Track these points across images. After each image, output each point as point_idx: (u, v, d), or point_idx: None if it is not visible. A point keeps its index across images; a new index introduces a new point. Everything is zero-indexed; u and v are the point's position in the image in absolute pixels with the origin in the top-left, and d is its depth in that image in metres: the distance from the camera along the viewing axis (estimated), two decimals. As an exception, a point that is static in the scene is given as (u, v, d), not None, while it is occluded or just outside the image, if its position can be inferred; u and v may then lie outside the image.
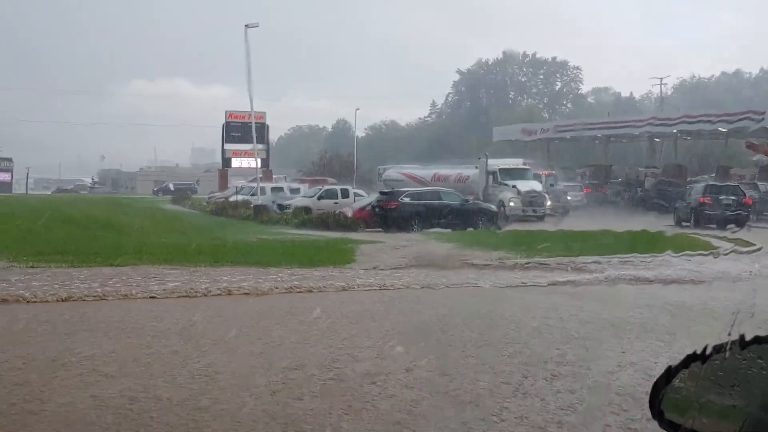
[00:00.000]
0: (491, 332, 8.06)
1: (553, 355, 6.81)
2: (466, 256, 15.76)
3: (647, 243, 17.95)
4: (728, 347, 1.26)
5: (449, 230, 24.77)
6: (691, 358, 1.30)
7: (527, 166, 38.34)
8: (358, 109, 76.12)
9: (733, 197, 27.77)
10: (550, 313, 9.31)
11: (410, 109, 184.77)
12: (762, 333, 1.28)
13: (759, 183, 36.13)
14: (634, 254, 15.19)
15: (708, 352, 1.28)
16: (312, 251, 16.80)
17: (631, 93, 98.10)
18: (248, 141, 43.78)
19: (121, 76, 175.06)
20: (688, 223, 27.65)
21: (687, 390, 1.30)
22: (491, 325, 8.61)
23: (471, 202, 29.14)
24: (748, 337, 1.27)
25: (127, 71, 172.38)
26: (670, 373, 1.32)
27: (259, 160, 42.29)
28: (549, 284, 11.91)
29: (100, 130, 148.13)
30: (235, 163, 52.49)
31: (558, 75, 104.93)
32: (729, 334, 1.29)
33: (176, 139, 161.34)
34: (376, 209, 27.02)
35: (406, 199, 26.88)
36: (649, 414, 1.35)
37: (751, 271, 13.22)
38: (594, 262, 14.10)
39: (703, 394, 1.28)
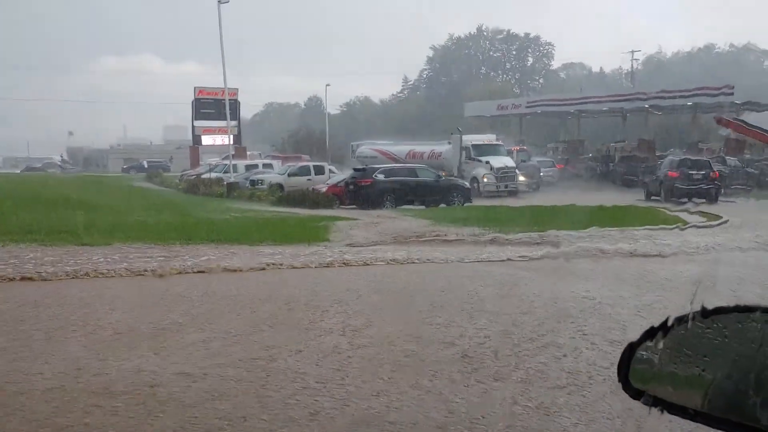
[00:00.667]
0: (458, 303, 8.18)
1: (508, 327, 6.97)
2: (439, 232, 15.86)
3: (616, 217, 18.23)
4: (690, 318, 1.30)
5: (423, 207, 24.90)
6: (655, 329, 1.34)
7: (500, 142, 38.51)
8: (328, 85, 75.88)
9: (702, 172, 28.15)
10: (515, 287, 9.48)
11: (384, 86, 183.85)
12: (725, 303, 1.32)
13: (727, 157, 36.69)
14: (606, 228, 15.41)
15: (671, 323, 1.33)
16: (285, 228, 16.77)
17: (602, 68, 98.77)
18: (220, 118, 43.36)
19: (90, 51, 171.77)
20: (658, 198, 28.04)
21: (652, 360, 1.34)
22: (457, 298, 8.72)
23: (444, 178, 29.24)
24: (710, 308, 1.31)
25: (96, 47, 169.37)
26: (635, 344, 1.36)
27: (231, 137, 41.91)
28: (516, 259, 12.06)
29: (70, 107, 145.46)
30: (207, 140, 51.96)
31: (530, 51, 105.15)
32: (691, 303, 1.32)
33: (148, 116, 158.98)
34: (350, 186, 26.99)
35: (380, 176, 26.88)
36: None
37: (715, 245, 13.51)
38: (564, 237, 14.26)
39: (668, 364, 1.32)
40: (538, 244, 13.75)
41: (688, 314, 1.30)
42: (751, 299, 1.34)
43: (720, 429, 1.24)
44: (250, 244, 13.73)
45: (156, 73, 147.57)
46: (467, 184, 29.65)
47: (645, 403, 1.33)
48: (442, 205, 25.79)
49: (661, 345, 1.32)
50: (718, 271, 9.64)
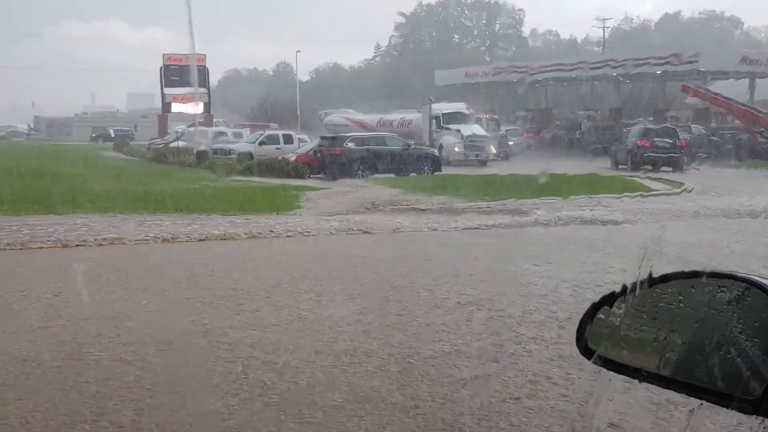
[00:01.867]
0: (431, 273, 8.28)
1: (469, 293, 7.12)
2: (409, 201, 15.94)
3: (583, 185, 18.46)
4: (638, 286, 1.34)
5: (393, 175, 24.91)
6: (615, 294, 1.38)
7: (470, 111, 38.52)
8: (298, 51, 75.01)
9: (668, 140, 28.52)
10: (482, 253, 9.61)
11: (354, 53, 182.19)
12: (674, 267, 1.37)
13: (693, 125, 37.21)
14: (571, 196, 15.65)
15: (620, 290, 1.38)
16: (255, 198, 16.72)
17: (572, 35, 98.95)
18: (188, 85, 42.65)
19: (53, 17, 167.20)
20: (625, 166, 28.38)
21: (608, 323, 1.38)
22: (425, 267, 8.82)
23: (414, 147, 29.22)
24: (660, 274, 1.36)
25: (59, 12, 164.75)
26: (594, 309, 1.41)
27: (200, 105, 41.32)
28: (484, 227, 12.23)
29: (34, 74, 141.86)
30: (176, 107, 51.17)
31: (500, 18, 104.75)
32: (639, 268, 1.38)
33: (114, 83, 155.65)
34: (319, 155, 26.85)
35: (351, 145, 26.75)
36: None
37: (677, 211, 13.78)
38: (532, 205, 14.47)
39: (622, 328, 1.37)
40: (501, 212, 13.95)
41: (637, 282, 1.34)
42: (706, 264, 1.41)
43: (670, 389, 1.29)
44: (220, 213, 13.71)
45: (122, 39, 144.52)
46: (437, 152, 29.68)
47: (595, 363, 1.37)
48: (413, 174, 25.83)
49: (615, 309, 1.36)
50: (676, 237, 9.89)
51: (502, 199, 15.25)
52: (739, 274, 1.26)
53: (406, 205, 15.28)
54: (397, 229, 12.07)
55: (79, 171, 24.72)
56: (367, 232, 11.68)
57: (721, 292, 1.25)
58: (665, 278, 1.33)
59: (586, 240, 10.72)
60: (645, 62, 46.64)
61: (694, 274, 1.30)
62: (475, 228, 12.12)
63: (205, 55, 50.25)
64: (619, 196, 15.99)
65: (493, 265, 9.14)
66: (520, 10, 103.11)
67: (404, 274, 8.30)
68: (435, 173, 26.34)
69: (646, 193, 16.77)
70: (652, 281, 1.34)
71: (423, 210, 14.59)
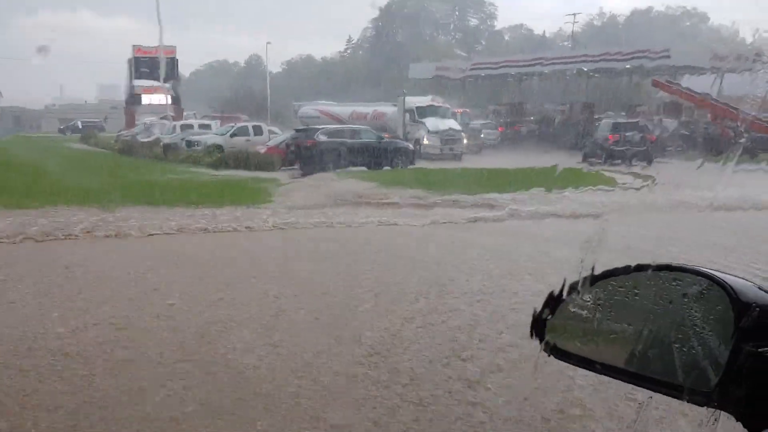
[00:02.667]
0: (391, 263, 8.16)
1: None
2: (381, 194, 15.79)
3: (555, 179, 18.45)
4: (580, 285, 1.34)
5: (366, 168, 24.72)
6: (571, 287, 1.36)
7: (445, 105, 38.44)
8: (269, 42, 74.47)
9: (639, 134, 28.71)
10: (455, 247, 9.51)
11: (327, 44, 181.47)
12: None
13: (663, 120, 37.52)
14: (542, 189, 15.62)
15: (576, 283, 1.36)
16: (223, 191, 16.44)
17: (544, 31, 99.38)
18: (157, 77, 42.08)
19: (21, 7, 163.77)
20: (597, 160, 28.51)
21: (563, 317, 1.37)
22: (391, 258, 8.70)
23: (388, 140, 29.05)
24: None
25: (27, 2, 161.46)
26: (551, 302, 1.38)
27: (169, 97, 40.81)
28: (461, 221, 12.14)
29: (1, 65, 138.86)
30: (145, 99, 50.53)
31: (473, 11, 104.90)
32: (582, 261, 1.36)
33: (83, 75, 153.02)
34: (291, 147, 26.55)
35: (323, 137, 26.50)
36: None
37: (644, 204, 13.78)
38: (503, 199, 14.42)
39: (578, 321, 1.36)
40: (475, 206, 13.87)
41: (587, 276, 1.34)
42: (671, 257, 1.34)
43: (624, 381, 1.27)
44: (187, 206, 13.43)
45: (90, 30, 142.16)
46: (411, 146, 29.55)
47: (544, 350, 1.36)
48: (386, 168, 25.65)
49: (569, 301, 1.36)
50: (635, 231, 9.93)
51: (474, 193, 15.16)
52: (689, 267, 1.26)
53: (378, 199, 15.12)
54: (342, 223, 11.89)
55: (40, 163, 24.20)
56: (317, 227, 11.52)
57: (674, 284, 1.26)
58: (613, 272, 1.32)
59: (552, 233, 10.69)
60: (616, 57, 46.93)
61: (640, 268, 1.30)
62: (446, 222, 12.02)
63: (174, 47, 49.83)
64: (591, 189, 16.00)
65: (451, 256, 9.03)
66: (492, 4, 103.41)
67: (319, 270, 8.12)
68: (409, 167, 26.21)
69: (607, 188, 16.82)
70: (601, 275, 1.33)
71: (393, 204, 14.44)
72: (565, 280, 1.36)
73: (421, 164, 27.30)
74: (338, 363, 4.92)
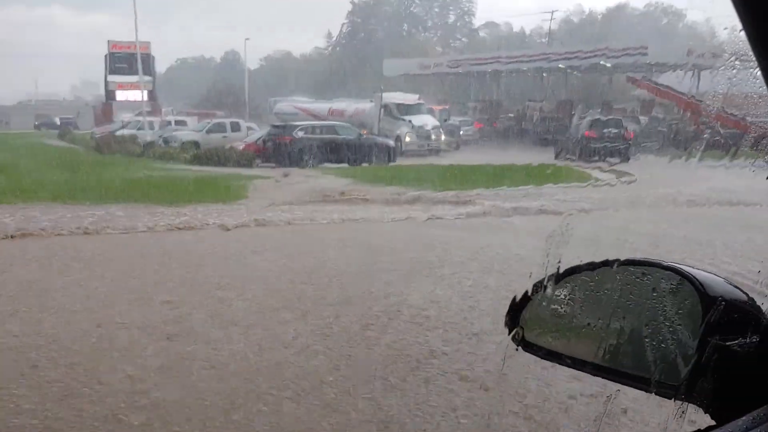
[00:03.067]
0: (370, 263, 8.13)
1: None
2: (360, 191, 15.75)
3: (533, 176, 18.54)
4: (545, 282, 1.35)
5: (345, 165, 24.65)
6: (540, 284, 1.37)
7: (421, 101, 38.45)
8: (247, 39, 74.02)
9: (615, 131, 28.90)
10: (431, 243, 9.49)
11: (305, 40, 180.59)
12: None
13: (640, 117, 37.84)
14: (521, 186, 15.69)
15: (544, 279, 1.37)
16: (199, 188, 16.28)
17: (522, 28, 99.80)
18: (133, 73, 41.68)
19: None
20: (573, 156, 28.64)
21: (535, 312, 1.39)
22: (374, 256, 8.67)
23: (366, 136, 28.98)
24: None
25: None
26: (524, 297, 1.39)
27: (145, 93, 40.45)
28: (431, 218, 12.16)
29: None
30: (120, 96, 50.03)
31: (452, 8, 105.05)
32: (547, 255, 1.38)
33: (57, 70, 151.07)
34: (269, 144, 26.39)
35: (301, 133, 26.39)
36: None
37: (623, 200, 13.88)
38: (477, 196, 14.46)
39: (547, 315, 1.38)
40: (452, 202, 13.89)
41: (549, 275, 1.35)
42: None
43: (593, 374, 1.28)
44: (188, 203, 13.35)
45: (66, 25, 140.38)
46: (390, 142, 29.50)
47: (513, 341, 1.37)
48: (364, 164, 25.60)
49: (538, 296, 1.38)
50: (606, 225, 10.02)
51: (451, 190, 15.17)
52: (656, 261, 1.27)
53: (354, 195, 15.08)
54: (314, 220, 11.84)
55: (10, 160, 23.85)
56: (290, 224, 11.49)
57: (644, 279, 1.26)
58: (580, 268, 1.33)
59: (528, 229, 10.71)
60: (592, 54, 47.19)
61: (603, 264, 1.31)
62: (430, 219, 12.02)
63: (149, 42, 49.38)
64: (568, 185, 16.09)
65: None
66: (470, 1, 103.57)
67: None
68: (388, 163, 26.18)
69: (583, 184, 16.91)
70: (568, 271, 1.34)
71: (370, 200, 14.41)
72: (530, 275, 1.36)
73: (399, 160, 27.27)
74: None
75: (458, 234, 10.74)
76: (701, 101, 37.17)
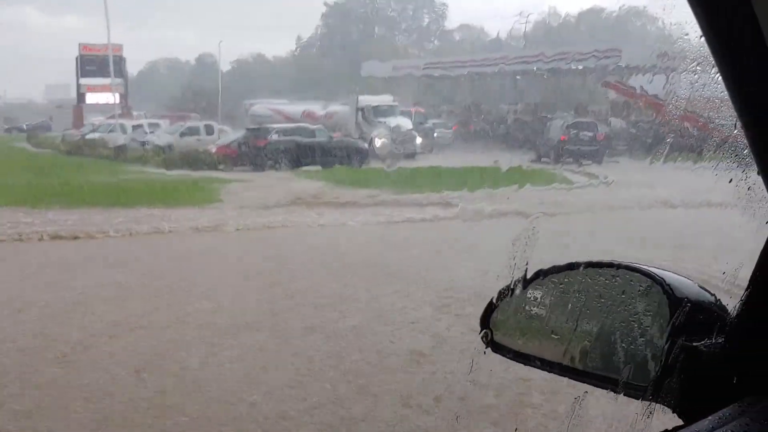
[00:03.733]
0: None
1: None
2: (334, 194, 15.71)
3: (507, 178, 18.60)
4: (517, 283, 1.35)
5: (319, 168, 24.57)
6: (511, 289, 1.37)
7: (396, 104, 38.49)
8: (221, 41, 73.64)
9: (589, 133, 29.16)
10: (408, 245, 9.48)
11: (279, 42, 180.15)
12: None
13: (612, 119, 38.20)
14: (500, 188, 15.74)
15: (514, 282, 1.36)
16: (174, 191, 16.12)
17: (498, 33, 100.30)
18: (104, 75, 41.23)
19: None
20: (548, 159, 28.84)
21: (505, 314, 1.39)
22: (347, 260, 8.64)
23: (341, 139, 28.93)
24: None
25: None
26: (497, 299, 1.39)
27: (117, 96, 40.05)
28: (404, 221, 12.16)
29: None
30: (91, 98, 49.50)
31: (426, 11, 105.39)
32: (514, 258, 1.37)
33: (27, 73, 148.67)
34: (243, 146, 26.24)
35: (275, 136, 26.28)
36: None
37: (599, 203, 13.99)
38: (453, 198, 14.49)
39: (516, 317, 1.38)
40: (429, 204, 13.90)
41: (515, 279, 1.35)
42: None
43: (563, 375, 1.28)
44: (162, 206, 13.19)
45: (36, 28, 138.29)
46: (365, 144, 29.47)
47: (482, 340, 1.38)
48: (339, 166, 25.53)
49: (508, 299, 1.38)
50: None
51: (425, 192, 15.19)
52: (624, 263, 1.26)
53: (327, 199, 15.03)
54: (285, 224, 11.77)
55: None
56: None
57: (613, 281, 1.26)
58: (542, 272, 1.34)
59: (499, 231, 10.74)
60: (567, 58, 47.59)
61: (571, 266, 1.31)
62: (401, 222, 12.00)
63: (121, 44, 48.98)
64: (537, 187, 16.22)
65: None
66: (444, 4, 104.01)
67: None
68: (362, 166, 26.14)
69: (560, 186, 17.05)
70: (536, 274, 1.34)
71: (343, 203, 14.37)
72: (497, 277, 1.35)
73: (374, 163, 27.24)
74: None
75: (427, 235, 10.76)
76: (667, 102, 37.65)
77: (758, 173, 0.97)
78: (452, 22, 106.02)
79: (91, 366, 5.10)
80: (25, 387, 4.68)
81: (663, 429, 0.98)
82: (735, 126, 0.99)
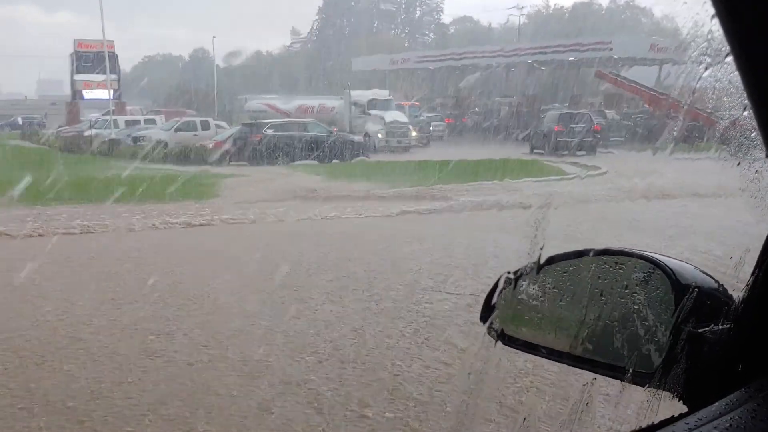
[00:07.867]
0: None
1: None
2: (331, 188, 15.75)
3: (503, 170, 18.67)
4: (532, 267, 1.35)
5: (315, 162, 24.59)
6: (515, 273, 1.38)
7: (391, 97, 38.49)
8: (215, 36, 73.35)
9: (583, 125, 29.21)
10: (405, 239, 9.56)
11: (274, 38, 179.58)
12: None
13: (606, 111, 38.29)
14: (495, 181, 15.82)
15: (519, 271, 1.37)
16: (172, 186, 16.11)
17: (490, 24, 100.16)
18: (98, 72, 41.10)
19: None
20: (542, 151, 28.90)
21: (511, 304, 1.38)
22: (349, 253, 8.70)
23: (336, 133, 28.95)
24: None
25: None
26: (501, 290, 1.39)
27: (111, 92, 39.96)
28: (400, 213, 12.23)
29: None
30: (87, 94, 49.32)
31: (419, 4, 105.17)
32: (529, 248, 1.40)
33: (22, 70, 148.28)
34: (239, 141, 26.24)
35: (271, 131, 26.28)
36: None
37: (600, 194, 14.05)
38: (449, 191, 14.55)
39: (522, 307, 1.38)
40: (425, 198, 13.96)
41: (526, 266, 1.36)
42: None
43: (569, 364, 1.29)
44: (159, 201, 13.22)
45: (30, 24, 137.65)
46: (361, 138, 29.49)
47: (489, 334, 1.38)
48: (335, 161, 25.56)
49: (513, 288, 1.38)
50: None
51: (422, 186, 15.25)
52: (629, 250, 1.28)
53: (324, 194, 15.07)
54: (283, 218, 11.81)
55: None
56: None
57: (617, 268, 1.26)
58: (552, 259, 1.35)
59: (497, 223, 10.83)
60: (561, 50, 47.64)
61: (580, 254, 1.32)
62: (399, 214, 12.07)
63: (113, 41, 48.85)
64: (534, 179, 16.28)
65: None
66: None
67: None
68: (358, 160, 26.14)
69: (555, 177, 17.12)
70: (545, 262, 1.35)
71: (338, 198, 14.41)
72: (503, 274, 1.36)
73: (370, 157, 27.24)
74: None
75: (429, 229, 10.82)
76: (665, 95, 37.77)
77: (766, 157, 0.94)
78: (448, 15, 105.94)
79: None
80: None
81: (669, 416, 0.99)
82: (731, 117, 0.99)
